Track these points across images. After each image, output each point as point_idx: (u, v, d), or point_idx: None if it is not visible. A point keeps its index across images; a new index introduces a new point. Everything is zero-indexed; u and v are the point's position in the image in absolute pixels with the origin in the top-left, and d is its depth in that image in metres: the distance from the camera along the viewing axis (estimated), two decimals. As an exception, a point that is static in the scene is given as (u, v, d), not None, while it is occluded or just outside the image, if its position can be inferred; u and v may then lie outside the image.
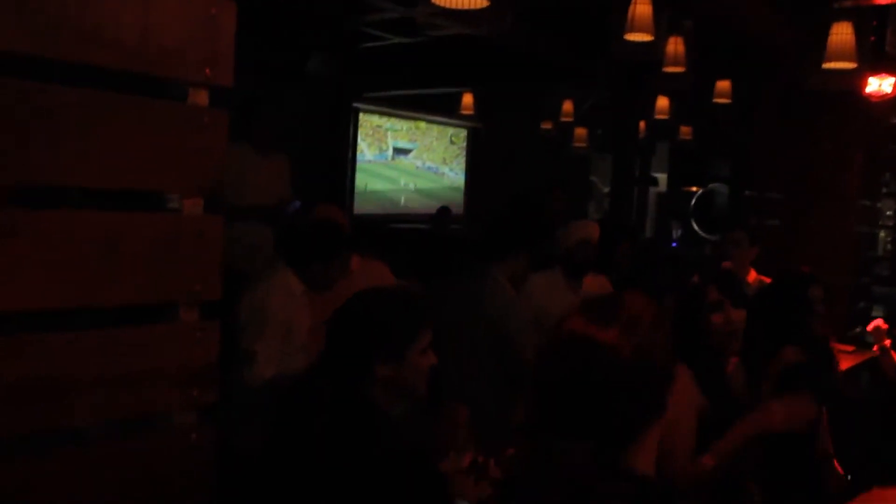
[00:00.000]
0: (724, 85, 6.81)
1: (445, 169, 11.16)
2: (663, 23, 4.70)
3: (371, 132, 10.01)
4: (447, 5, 3.33)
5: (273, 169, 4.46)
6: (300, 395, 2.11)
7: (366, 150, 9.96)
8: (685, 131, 9.26)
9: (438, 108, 10.01)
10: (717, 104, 6.86)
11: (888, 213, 7.28)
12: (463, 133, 11.25)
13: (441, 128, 10.95)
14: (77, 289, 1.61)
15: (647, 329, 1.33)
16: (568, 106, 8.96)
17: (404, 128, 10.50)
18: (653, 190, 11.56)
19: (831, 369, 3.33)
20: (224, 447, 2.49)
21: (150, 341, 1.74)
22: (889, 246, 7.26)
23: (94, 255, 1.61)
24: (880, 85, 5.24)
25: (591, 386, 1.29)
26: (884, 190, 7.15)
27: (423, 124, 10.72)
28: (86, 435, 1.73)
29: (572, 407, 1.30)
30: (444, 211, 9.67)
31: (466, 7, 3.28)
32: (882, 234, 7.30)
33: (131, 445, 1.76)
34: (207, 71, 1.71)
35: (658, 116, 8.10)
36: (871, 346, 4.54)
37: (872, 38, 4.82)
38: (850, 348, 5.00)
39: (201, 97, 1.73)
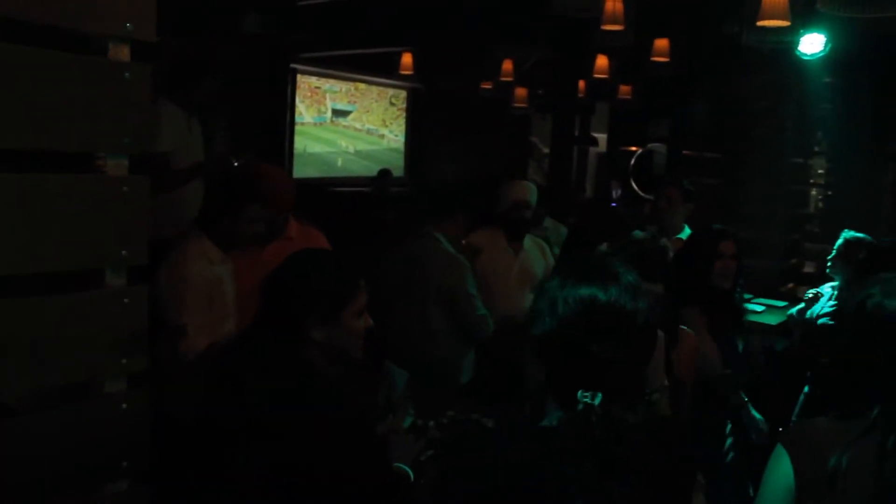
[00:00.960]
0: (662, 43, 6.84)
1: (385, 131, 11.04)
2: (603, -22, 4.69)
3: (309, 94, 9.83)
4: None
5: (198, 127, 4.36)
6: (235, 359, 2.07)
7: (304, 112, 9.79)
8: (625, 91, 9.30)
9: (378, 68, 9.87)
10: (656, 63, 6.89)
11: (819, 171, 7.43)
12: (403, 94, 11.13)
13: (381, 89, 10.82)
14: (-3, 256, 1.54)
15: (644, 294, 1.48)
16: (508, 66, 8.91)
17: (343, 89, 10.34)
18: (593, 150, 11.63)
19: (735, 324, 3.37)
20: (159, 415, 2.45)
21: (76, 308, 1.68)
22: (820, 203, 7.43)
23: (13, 220, 1.54)
24: (812, 43, 5.31)
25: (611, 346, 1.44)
26: (816, 148, 7.29)
27: (362, 85, 10.57)
28: (13, 405, 1.67)
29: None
30: (384, 173, 9.60)
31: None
32: (813, 191, 7.45)
33: (61, 414, 1.70)
34: (128, 25, 1.63)
35: (597, 76, 8.11)
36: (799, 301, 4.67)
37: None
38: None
39: (122, 52, 1.65)
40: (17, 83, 1.51)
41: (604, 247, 3.08)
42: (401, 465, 2.29)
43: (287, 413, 1.91)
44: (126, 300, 1.72)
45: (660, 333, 2.72)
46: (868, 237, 4.32)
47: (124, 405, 1.75)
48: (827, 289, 4.50)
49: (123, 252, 1.70)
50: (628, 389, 1.49)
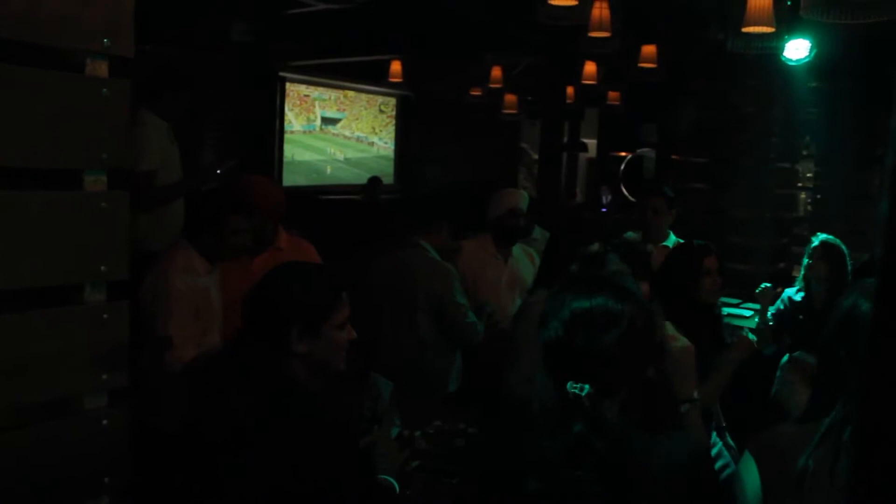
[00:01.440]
0: (649, 49, 6.87)
1: (375, 138, 11.05)
2: (588, -14, 4.71)
3: (298, 102, 9.84)
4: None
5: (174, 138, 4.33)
6: (218, 372, 2.07)
7: (293, 121, 9.79)
8: (613, 97, 9.32)
9: (367, 76, 9.88)
10: (643, 69, 6.92)
11: (808, 174, 7.46)
12: (392, 101, 11.15)
13: (370, 96, 10.83)
14: (-28, 273, 1.53)
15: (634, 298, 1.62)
16: (497, 72, 8.92)
17: (332, 97, 10.35)
18: (583, 156, 11.66)
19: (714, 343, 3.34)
20: (143, 426, 2.44)
21: (55, 325, 1.67)
22: (809, 206, 7.45)
23: (-11, 238, 1.54)
24: (797, 49, 5.33)
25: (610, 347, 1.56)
26: (804, 152, 7.32)
27: (351, 93, 10.58)
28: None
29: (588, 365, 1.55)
30: (374, 181, 9.60)
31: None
32: (802, 195, 7.48)
33: (41, 431, 1.69)
34: (105, 41, 1.63)
35: (586, 81, 8.13)
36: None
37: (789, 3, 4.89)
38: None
39: (100, 68, 1.65)
40: (-6, 100, 1.50)
41: (595, 246, 3.08)
42: (386, 476, 2.29)
43: (270, 426, 1.91)
44: (106, 316, 1.71)
45: (690, 346, 2.71)
46: (838, 241, 4.34)
47: (105, 421, 1.74)
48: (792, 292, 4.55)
49: (103, 267, 1.69)
50: (621, 386, 1.59)
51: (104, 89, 1.64)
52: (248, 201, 3.08)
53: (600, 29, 5.52)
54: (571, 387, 1.50)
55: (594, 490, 1.46)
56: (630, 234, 4.67)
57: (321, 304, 2.04)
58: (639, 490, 1.51)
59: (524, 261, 4.53)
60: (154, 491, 2.13)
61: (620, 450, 1.51)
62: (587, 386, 1.50)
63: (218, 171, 3.92)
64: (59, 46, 1.59)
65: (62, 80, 1.60)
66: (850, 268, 4.30)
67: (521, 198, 4.50)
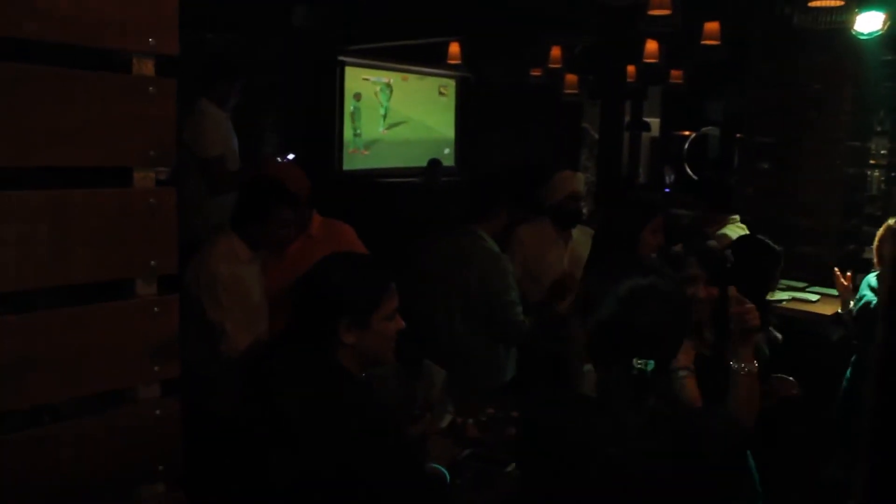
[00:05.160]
0: (712, 27, 6.70)
1: (435, 120, 11.03)
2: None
3: (357, 85, 9.88)
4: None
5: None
6: (267, 362, 2.10)
7: (353, 104, 9.83)
8: (676, 75, 9.14)
9: (426, 58, 9.86)
10: (706, 46, 6.76)
11: (882, 151, 7.17)
12: (452, 83, 11.10)
13: (429, 78, 10.80)
14: (28, 270, 1.57)
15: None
16: (556, 52, 8.81)
17: (392, 80, 10.36)
18: (646, 135, 11.46)
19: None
20: (197, 410, 2.49)
21: (106, 318, 1.71)
22: (883, 185, 7.17)
23: (43, 235, 1.58)
24: (869, 21, 5.13)
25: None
26: (878, 129, 7.04)
27: (411, 75, 10.57)
28: (47, 414, 1.72)
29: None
30: (434, 163, 9.59)
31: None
32: (876, 173, 7.20)
33: (94, 423, 1.74)
34: (150, 40, 1.65)
35: (647, 60, 7.98)
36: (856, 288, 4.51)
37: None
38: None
39: (146, 67, 1.68)
40: (44, 103, 1.54)
41: (678, 247, 3.03)
42: (437, 465, 2.30)
43: (318, 418, 1.94)
44: (157, 309, 1.75)
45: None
46: None
47: (158, 411, 1.79)
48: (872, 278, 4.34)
49: (153, 262, 1.73)
50: (671, 359, 1.69)
51: (150, 87, 1.67)
52: (294, 192, 3.10)
53: (660, 7, 5.41)
54: (637, 363, 1.57)
55: (667, 461, 1.52)
56: (712, 243, 4.57)
57: (369, 295, 2.05)
58: (705, 458, 1.57)
59: (584, 241, 4.48)
60: (206, 475, 2.18)
61: (692, 420, 1.58)
62: (651, 362, 1.57)
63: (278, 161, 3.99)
64: (104, 47, 1.62)
65: (109, 80, 1.63)
66: None
67: (579, 181, 4.44)
